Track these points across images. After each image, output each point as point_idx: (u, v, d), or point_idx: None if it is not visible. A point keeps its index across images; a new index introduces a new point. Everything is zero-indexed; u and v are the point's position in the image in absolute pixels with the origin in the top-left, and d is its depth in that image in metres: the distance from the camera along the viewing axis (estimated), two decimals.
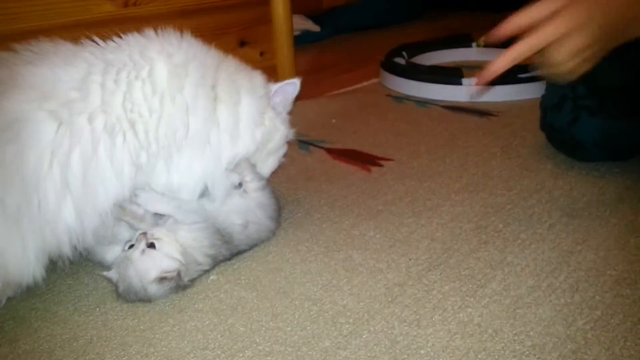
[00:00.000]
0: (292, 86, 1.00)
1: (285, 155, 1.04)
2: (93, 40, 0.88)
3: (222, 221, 0.92)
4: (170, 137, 0.85)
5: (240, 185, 0.97)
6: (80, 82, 0.82)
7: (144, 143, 0.84)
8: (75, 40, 0.88)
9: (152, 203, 0.88)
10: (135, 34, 0.90)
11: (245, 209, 0.95)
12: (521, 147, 1.30)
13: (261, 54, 1.63)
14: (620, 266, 0.87)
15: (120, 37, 0.89)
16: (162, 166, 0.86)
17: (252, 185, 0.97)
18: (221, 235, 0.91)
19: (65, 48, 0.86)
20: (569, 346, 0.72)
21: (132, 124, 0.83)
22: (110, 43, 0.88)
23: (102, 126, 0.81)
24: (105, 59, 0.85)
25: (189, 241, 0.87)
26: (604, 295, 0.81)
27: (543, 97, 1.24)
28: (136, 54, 0.86)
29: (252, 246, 0.97)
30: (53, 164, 0.79)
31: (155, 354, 0.76)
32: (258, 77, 0.98)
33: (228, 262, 0.94)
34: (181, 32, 0.91)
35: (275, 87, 0.99)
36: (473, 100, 1.60)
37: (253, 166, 0.98)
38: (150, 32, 0.90)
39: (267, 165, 1.01)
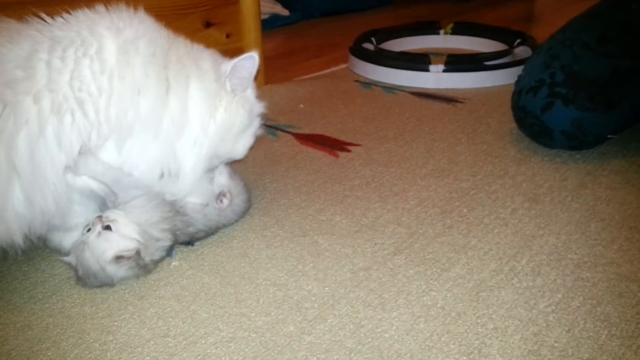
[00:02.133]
0: (249, 60, 0.90)
1: (261, 127, 0.98)
2: (40, 18, 0.83)
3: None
4: (121, 118, 0.81)
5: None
6: (25, 61, 0.77)
7: (94, 123, 0.80)
8: (24, 17, 0.84)
9: (88, 169, 0.82)
10: (85, 10, 0.85)
11: (208, 193, 0.94)
12: (486, 134, 1.31)
13: (227, 36, 1.59)
14: (581, 250, 0.88)
15: (70, 13, 0.85)
16: (111, 146, 0.83)
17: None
18: (171, 206, 0.88)
19: (10, 26, 0.81)
20: (530, 329, 0.73)
21: (81, 104, 0.79)
22: (59, 19, 0.83)
23: (49, 107, 0.77)
24: (52, 36, 0.80)
25: (136, 218, 0.85)
26: (565, 278, 0.82)
27: (520, 77, 1.24)
28: (85, 30, 0.82)
29: (212, 229, 0.95)
30: None
31: (114, 341, 0.74)
32: (208, 60, 0.91)
33: (191, 248, 0.92)
34: (134, 8, 0.87)
35: (229, 65, 0.90)
36: (440, 87, 1.60)
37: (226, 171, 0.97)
38: (100, 7, 0.85)
39: (241, 146, 0.96)
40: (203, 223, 0.93)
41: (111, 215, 0.84)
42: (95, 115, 0.80)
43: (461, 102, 1.50)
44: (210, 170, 0.95)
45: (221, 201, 0.94)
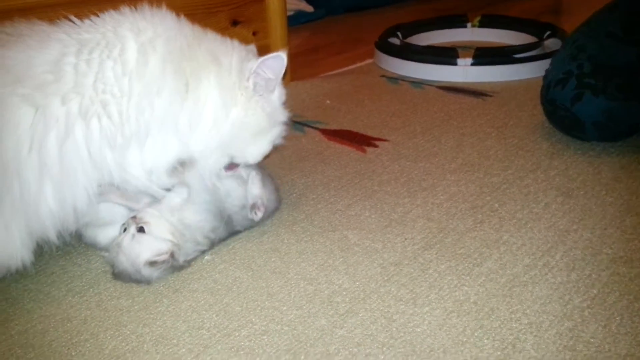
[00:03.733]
0: (276, 60, 0.86)
1: (283, 136, 0.95)
2: (70, 20, 0.84)
3: (224, 199, 0.91)
4: (140, 119, 0.81)
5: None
6: (54, 65, 0.79)
7: (118, 125, 0.81)
8: (55, 20, 0.85)
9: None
10: (111, 12, 0.86)
11: (241, 196, 0.94)
12: (516, 127, 1.29)
13: (254, 33, 1.60)
14: (616, 245, 0.87)
15: (98, 15, 0.86)
16: (134, 147, 0.83)
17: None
18: (222, 218, 0.90)
19: (40, 29, 0.82)
20: (565, 324, 0.72)
21: (105, 106, 0.79)
22: (86, 22, 0.85)
23: (77, 109, 0.78)
24: (80, 38, 0.82)
25: (193, 222, 0.87)
26: (600, 273, 0.81)
27: (547, 71, 1.23)
28: (110, 32, 0.83)
29: (246, 228, 0.96)
30: (32, 148, 0.77)
31: (150, 333, 0.75)
32: (233, 56, 0.88)
33: (223, 243, 0.93)
34: (159, 7, 0.87)
35: (255, 64, 0.87)
36: (468, 80, 1.59)
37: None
38: (125, 8, 0.86)
39: (254, 149, 0.91)
40: (241, 224, 0.94)
41: (145, 216, 0.85)
42: (119, 117, 0.80)
43: (490, 96, 1.48)
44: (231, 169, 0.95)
45: (255, 213, 0.94)
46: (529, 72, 1.57)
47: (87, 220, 0.87)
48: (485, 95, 1.49)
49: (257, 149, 0.92)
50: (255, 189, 0.95)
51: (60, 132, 0.78)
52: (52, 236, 0.81)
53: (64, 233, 0.83)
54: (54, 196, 0.79)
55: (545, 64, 1.42)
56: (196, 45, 0.87)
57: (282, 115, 0.93)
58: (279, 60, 0.87)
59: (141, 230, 0.84)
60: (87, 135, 0.79)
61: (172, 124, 0.84)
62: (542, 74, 1.27)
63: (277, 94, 0.92)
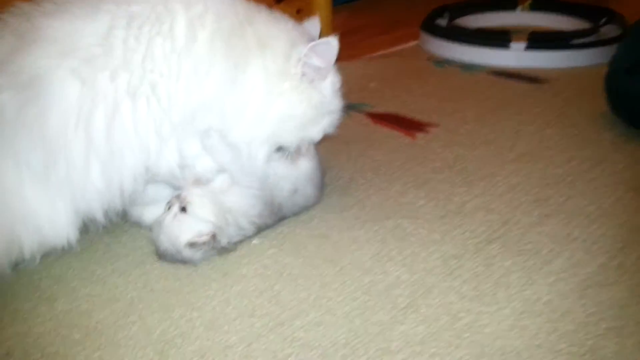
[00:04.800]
0: (326, 46, 0.80)
1: (338, 124, 0.89)
2: None
3: (272, 187, 0.86)
4: (187, 102, 0.77)
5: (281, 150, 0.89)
6: (104, 38, 0.75)
7: (167, 110, 0.76)
8: None
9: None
10: None
11: (293, 177, 0.90)
12: (577, 117, 1.21)
13: (298, 11, 1.55)
14: None
15: None
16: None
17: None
18: (271, 207, 0.86)
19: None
20: None
21: (154, 87, 0.75)
22: None
23: (125, 87, 0.74)
24: (129, 11, 0.77)
25: (237, 206, 0.83)
26: None
27: (614, 57, 1.15)
28: (160, 5, 0.78)
29: (296, 213, 0.92)
30: (78, 125, 0.73)
31: (200, 318, 0.72)
32: (282, 39, 0.82)
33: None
34: None
35: (303, 50, 0.80)
36: (521, 65, 1.51)
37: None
38: None
39: (303, 138, 0.87)
40: (291, 210, 0.90)
41: (189, 196, 0.82)
42: (168, 101, 0.76)
43: (546, 83, 1.41)
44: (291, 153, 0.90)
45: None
46: (586, 59, 1.49)
47: (133, 199, 0.84)
48: (540, 81, 1.42)
49: (305, 138, 0.87)
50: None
51: (108, 110, 0.75)
52: (99, 215, 0.79)
53: (110, 212, 0.80)
54: (100, 175, 0.76)
55: (602, 51, 1.34)
56: (247, 24, 0.81)
57: (334, 104, 0.87)
58: (329, 46, 0.80)
59: (184, 210, 0.80)
60: (135, 115, 0.76)
61: (219, 109, 0.80)
62: (598, 62, 1.20)
63: (330, 82, 0.85)
